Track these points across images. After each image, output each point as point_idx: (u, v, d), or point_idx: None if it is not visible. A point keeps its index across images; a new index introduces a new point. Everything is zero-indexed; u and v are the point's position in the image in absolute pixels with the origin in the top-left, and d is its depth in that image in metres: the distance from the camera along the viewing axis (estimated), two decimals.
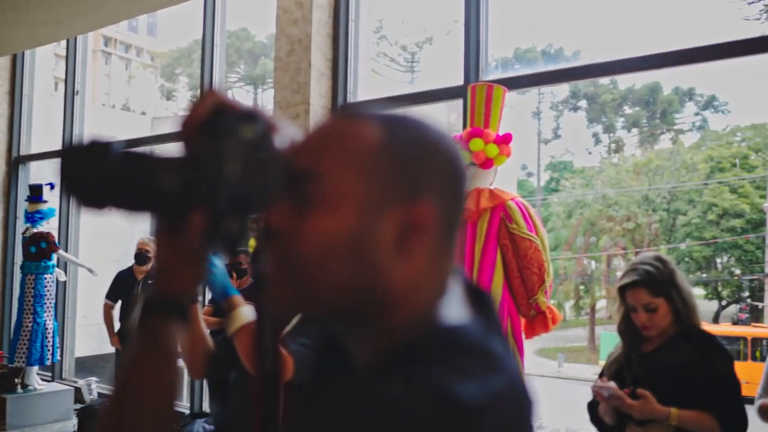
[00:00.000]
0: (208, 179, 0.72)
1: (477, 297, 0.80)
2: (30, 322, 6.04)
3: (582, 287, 28.07)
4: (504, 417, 0.65)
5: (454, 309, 0.75)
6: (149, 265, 5.90)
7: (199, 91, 5.34)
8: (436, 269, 0.74)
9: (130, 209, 0.74)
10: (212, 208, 0.74)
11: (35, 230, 6.17)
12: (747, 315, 24.36)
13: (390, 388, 0.63)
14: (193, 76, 32.17)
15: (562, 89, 33.01)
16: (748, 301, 25.38)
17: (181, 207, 0.74)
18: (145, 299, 0.82)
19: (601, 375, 2.53)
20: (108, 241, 12.06)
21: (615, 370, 2.48)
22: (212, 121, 0.74)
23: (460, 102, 4.24)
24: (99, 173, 0.70)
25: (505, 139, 3.40)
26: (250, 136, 0.73)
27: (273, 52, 4.96)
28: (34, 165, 7.76)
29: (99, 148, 0.71)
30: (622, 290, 2.45)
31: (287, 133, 0.77)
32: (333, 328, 0.83)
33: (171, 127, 1.15)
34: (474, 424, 0.61)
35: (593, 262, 28.14)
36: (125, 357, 0.81)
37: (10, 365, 6.21)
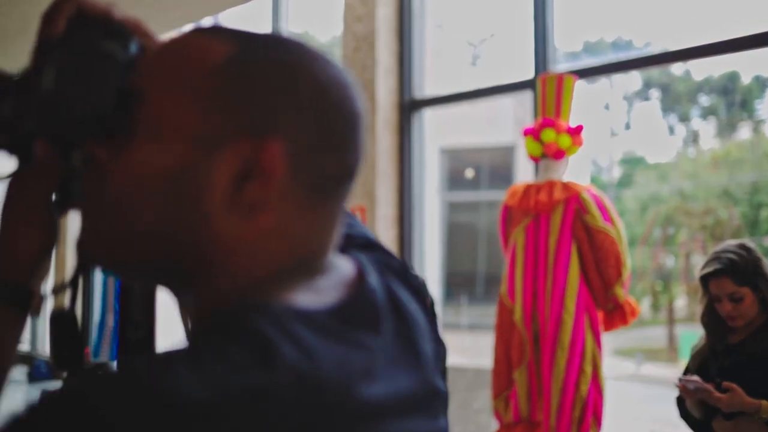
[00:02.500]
0: (39, 101, 0.60)
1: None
2: (111, 319, 6.29)
3: (659, 284, 27.31)
4: (242, 419, 0.47)
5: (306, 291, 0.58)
6: None
7: None
8: (289, 232, 0.58)
9: None
10: (56, 138, 0.62)
11: None
12: None
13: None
14: None
15: (634, 81, 32.22)
16: None
17: (22, 138, 0.62)
18: None
19: (686, 371, 2.47)
20: None
21: (699, 363, 2.41)
22: (68, 34, 0.61)
23: (526, 97, 4.21)
24: None
25: (576, 130, 3.36)
26: (113, 54, 0.61)
27: (340, 50, 5.01)
28: None
29: None
30: (705, 280, 2.37)
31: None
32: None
33: None
34: (190, 422, 0.45)
35: (670, 258, 27.33)
36: None
37: (96, 361, 6.48)
